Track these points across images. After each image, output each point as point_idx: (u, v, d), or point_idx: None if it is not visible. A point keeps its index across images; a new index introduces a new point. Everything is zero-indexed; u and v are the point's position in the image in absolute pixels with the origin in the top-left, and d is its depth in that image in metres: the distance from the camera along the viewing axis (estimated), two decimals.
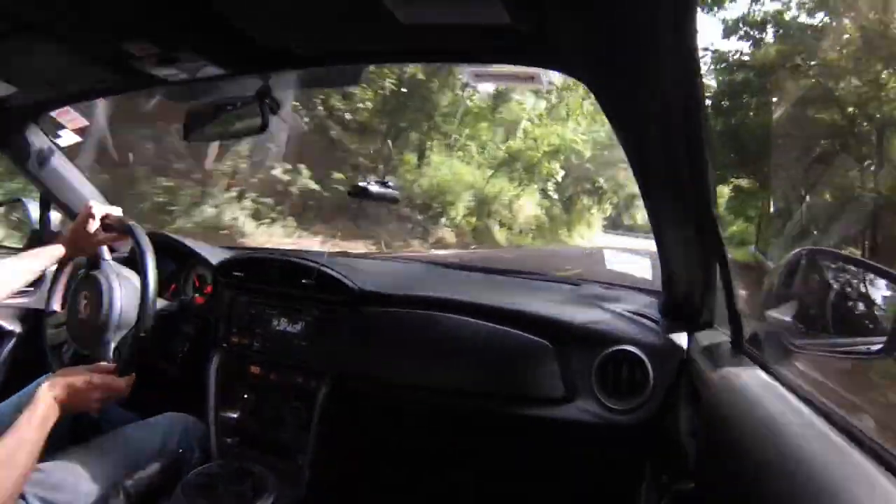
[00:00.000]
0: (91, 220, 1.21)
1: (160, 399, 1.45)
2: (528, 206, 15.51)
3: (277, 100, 1.17)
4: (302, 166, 8.52)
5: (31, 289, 1.65)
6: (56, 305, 1.35)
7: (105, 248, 1.29)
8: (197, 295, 1.64)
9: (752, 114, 10.60)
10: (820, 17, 9.74)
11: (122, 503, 1.05)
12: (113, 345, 1.20)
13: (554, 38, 0.79)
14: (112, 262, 1.28)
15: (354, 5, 0.82)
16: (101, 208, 1.22)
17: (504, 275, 1.75)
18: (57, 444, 1.14)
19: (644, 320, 1.27)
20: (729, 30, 10.83)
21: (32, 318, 1.58)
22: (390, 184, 1.37)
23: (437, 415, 1.38)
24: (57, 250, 1.21)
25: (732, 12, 10.87)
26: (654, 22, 0.64)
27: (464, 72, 1.01)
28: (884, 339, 0.82)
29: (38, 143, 1.58)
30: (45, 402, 0.99)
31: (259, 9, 0.87)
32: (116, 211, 1.25)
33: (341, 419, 1.38)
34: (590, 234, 20.23)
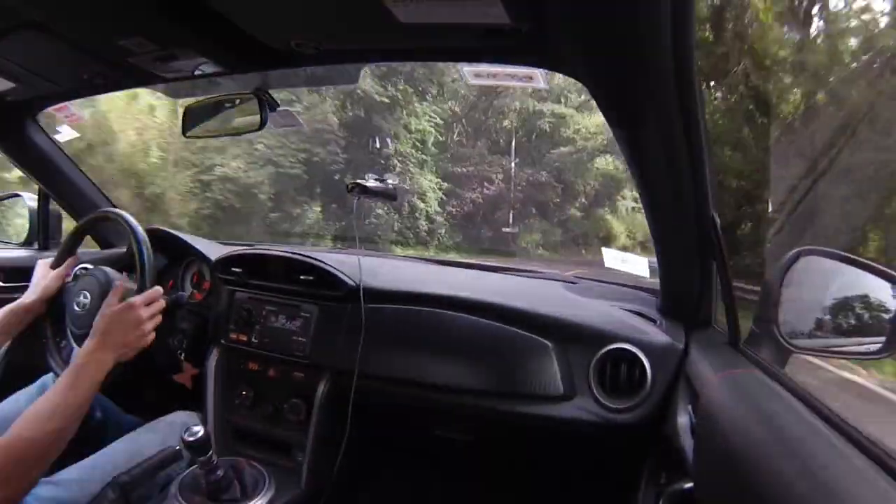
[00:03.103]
0: (42, 268, 1.34)
1: (161, 398, 1.46)
2: None
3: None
4: None
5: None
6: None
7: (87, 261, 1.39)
8: (195, 291, 1.64)
9: None
10: None
11: (117, 500, 1.05)
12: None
13: (553, 39, 0.79)
14: (99, 267, 1.30)
15: (354, 4, 0.82)
16: (47, 259, 1.36)
17: (502, 272, 1.75)
18: None
19: (642, 319, 1.27)
20: None
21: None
22: (388, 180, 1.37)
23: (436, 412, 1.38)
24: (22, 306, 1.28)
25: None
26: (652, 23, 0.64)
27: (463, 72, 1.00)
28: (881, 339, 0.82)
29: (37, 139, 1.58)
30: (83, 359, 0.98)
31: (258, 7, 0.87)
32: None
33: (340, 416, 1.38)
34: None
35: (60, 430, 0.91)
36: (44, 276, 1.32)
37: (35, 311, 1.30)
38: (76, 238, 1.40)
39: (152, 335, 1.10)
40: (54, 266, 1.34)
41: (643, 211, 1.05)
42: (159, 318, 1.13)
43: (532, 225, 17.89)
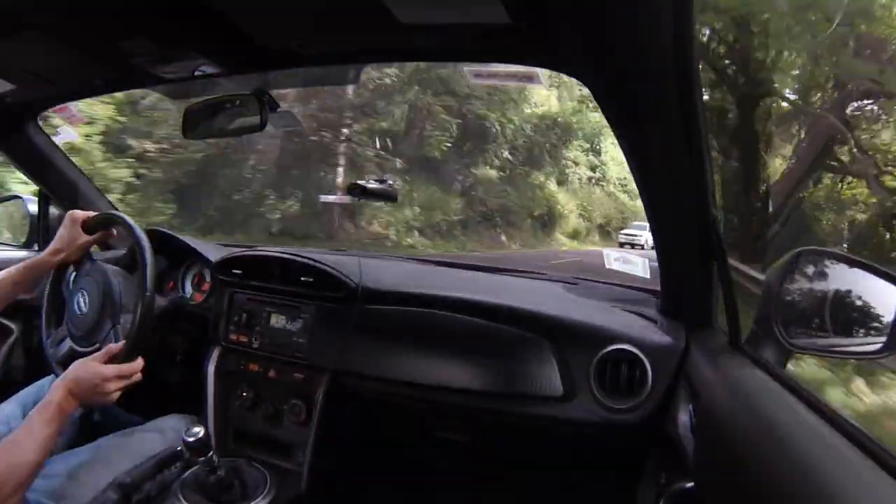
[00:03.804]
0: (72, 226, 1.26)
1: (160, 399, 1.45)
2: None
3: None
4: None
5: None
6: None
7: (91, 251, 1.33)
8: (195, 293, 1.63)
9: None
10: None
11: (119, 500, 1.05)
12: (119, 328, 1.20)
13: (553, 38, 0.79)
14: (101, 263, 1.29)
15: (353, 4, 0.82)
16: (80, 213, 1.27)
17: (503, 273, 1.76)
18: (60, 445, 1.15)
19: (642, 319, 1.27)
20: None
21: (31, 315, 1.58)
22: (389, 181, 1.37)
23: (435, 412, 1.38)
24: (42, 262, 1.25)
25: None
26: (652, 22, 0.64)
27: (463, 71, 1.00)
28: (882, 339, 0.82)
29: (37, 140, 1.58)
30: (57, 397, 0.98)
31: (258, 8, 0.87)
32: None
33: (340, 416, 1.38)
34: None
35: (36, 461, 0.92)
36: (74, 235, 1.27)
37: (51, 269, 1.29)
38: (111, 220, 1.33)
39: (114, 398, 1.09)
40: (85, 228, 1.28)
41: (645, 212, 1.05)
42: (126, 387, 1.10)
43: (399, 194, 6.03)
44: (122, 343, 1.13)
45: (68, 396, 1.00)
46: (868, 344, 0.85)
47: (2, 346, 1.67)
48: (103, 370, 1.06)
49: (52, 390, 1.00)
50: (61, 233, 1.27)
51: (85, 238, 1.28)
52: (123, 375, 1.08)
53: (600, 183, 19.42)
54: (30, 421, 0.95)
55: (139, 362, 1.12)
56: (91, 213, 1.28)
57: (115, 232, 1.33)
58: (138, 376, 1.11)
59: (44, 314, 1.34)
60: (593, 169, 19.17)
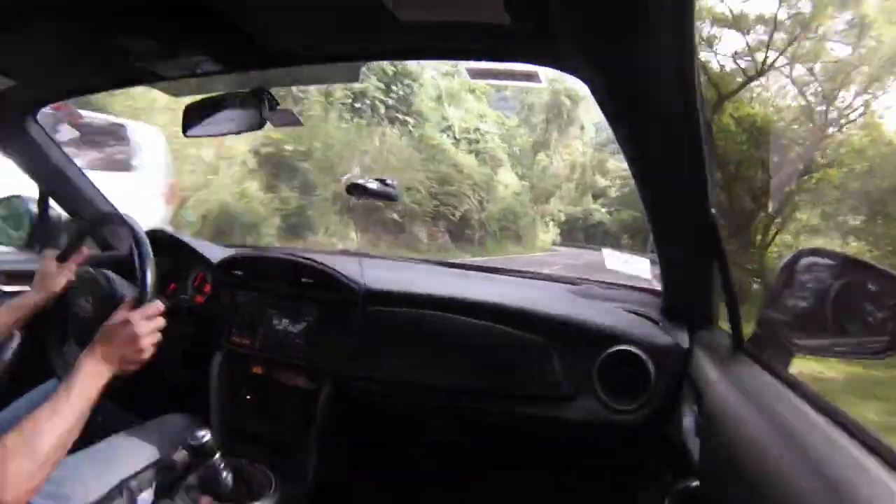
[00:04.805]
0: (48, 263, 1.30)
1: (161, 400, 1.45)
2: None
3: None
4: None
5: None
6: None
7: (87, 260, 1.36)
8: (197, 294, 1.63)
9: None
10: None
11: (125, 502, 1.04)
12: None
13: (553, 37, 0.79)
14: (100, 269, 1.29)
15: (353, 4, 0.82)
16: (52, 251, 1.33)
17: (505, 275, 1.75)
18: None
19: (645, 320, 1.27)
20: None
21: (34, 320, 1.57)
22: (388, 181, 1.37)
23: (438, 414, 1.38)
24: (29, 299, 1.27)
25: None
26: (653, 21, 0.64)
27: (463, 69, 1.00)
28: (884, 339, 0.82)
29: (37, 138, 1.58)
30: (86, 365, 0.95)
31: (258, 5, 0.87)
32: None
33: (343, 418, 1.38)
34: None
35: (59, 438, 0.88)
36: (50, 271, 1.29)
37: (39, 308, 1.28)
38: (82, 236, 1.38)
39: (151, 351, 1.06)
40: (60, 260, 1.31)
41: (645, 213, 1.05)
42: (158, 335, 1.08)
43: None
44: (132, 299, 1.12)
45: (99, 362, 0.97)
46: (870, 343, 0.85)
47: (5, 351, 1.67)
48: (129, 315, 1.03)
49: (79, 363, 0.97)
50: (38, 275, 1.30)
51: (61, 266, 1.30)
52: (149, 315, 1.06)
53: (405, 119, 12.30)
54: (56, 396, 0.91)
55: (158, 302, 1.10)
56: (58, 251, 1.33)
57: (84, 250, 1.36)
58: (161, 321, 1.09)
59: (52, 330, 1.34)
60: (388, 90, 11.83)
